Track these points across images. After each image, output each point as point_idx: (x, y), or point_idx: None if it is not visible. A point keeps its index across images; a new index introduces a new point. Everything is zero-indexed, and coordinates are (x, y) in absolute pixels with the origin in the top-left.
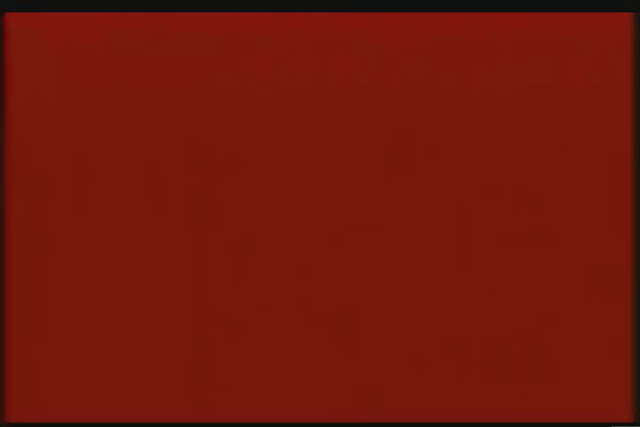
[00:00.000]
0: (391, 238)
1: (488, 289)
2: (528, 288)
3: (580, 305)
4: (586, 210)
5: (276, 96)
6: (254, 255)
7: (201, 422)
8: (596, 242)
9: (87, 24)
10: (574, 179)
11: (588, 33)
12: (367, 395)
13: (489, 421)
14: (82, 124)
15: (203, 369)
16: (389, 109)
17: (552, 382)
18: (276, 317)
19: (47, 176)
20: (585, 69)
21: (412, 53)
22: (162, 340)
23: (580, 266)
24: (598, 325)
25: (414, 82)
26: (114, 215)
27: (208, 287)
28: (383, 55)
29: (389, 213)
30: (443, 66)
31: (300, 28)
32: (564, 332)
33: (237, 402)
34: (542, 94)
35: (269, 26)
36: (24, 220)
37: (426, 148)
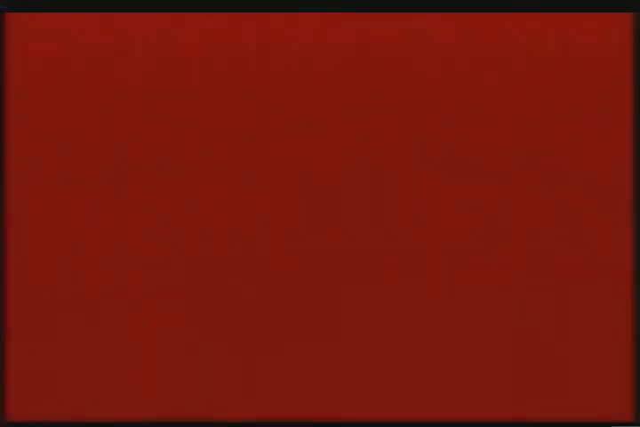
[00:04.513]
0: (390, 241)
1: (488, 288)
2: (529, 287)
3: (581, 305)
4: (586, 211)
5: (275, 94)
6: (254, 256)
7: (201, 421)
8: (596, 242)
9: (87, 24)
10: (573, 179)
11: (588, 33)
12: (368, 394)
13: (490, 420)
14: (81, 124)
15: (202, 368)
16: (388, 107)
17: (553, 381)
18: (275, 316)
19: (47, 175)
20: (585, 69)
21: (412, 52)
22: (161, 339)
23: (581, 266)
24: (599, 325)
25: (415, 80)
26: (112, 215)
27: (207, 287)
28: (384, 54)
29: (390, 213)
30: (442, 64)
31: (300, 28)
32: (565, 332)
33: (237, 401)
34: (542, 94)
35: (269, 26)
36: (24, 220)
37: (425, 145)
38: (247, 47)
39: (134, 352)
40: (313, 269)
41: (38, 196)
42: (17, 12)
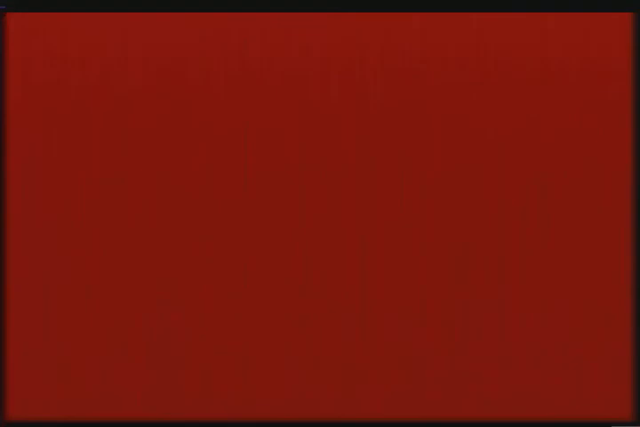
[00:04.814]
0: (389, 245)
1: (488, 288)
2: (529, 288)
3: (582, 305)
4: (586, 213)
5: (276, 94)
6: (256, 258)
7: (200, 421)
8: (596, 242)
9: (87, 24)
10: (573, 179)
11: (588, 33)
12: (373, 393)
13: (490, 420)
14: (81, 123)
15: (202, 368)
16: (388, 107)
17: (552, 381)
18: (274, 317)
19: (47, 175)
20: (585, 69)
21: (412, 52)
22: (161, 339)
23: (581, 266)
24: (599, 325)
25: (415, 80)
26: (111, 215)
27: (206, 287)
28: (383, 54)
29: (390, 216)
30: (442, 64)
31: (300, 29)
32: (566, 332)
33: (237, 401)
34: (542, 93)
35: (268, 26)
36: (24, 220)
37: (425, 147)
38: (247, 47)
39: (134, 352)
40: (310, 270)
41: (38, 196)
42: (17, 12)
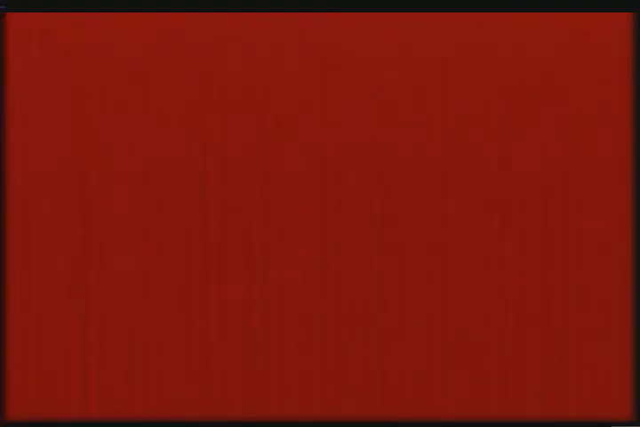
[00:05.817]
0: (388, 247)
1: (488, 289)
2: (529, 288)
3: (582, 305)
4: (586, 214)
5: (275, 94)
6: (257, 260)
7: (199, 420)
8: (597, 242)
9: (87, 24)
10: (573, 180)
11: (588, 33)
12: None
13: (490, 420)
14: (81, 123)
15: (199, 368)
16: (386, 106)
17: (553, 381)
18: (277, 319)
19: (47, 175)
20: (585, 69)
21: (413, 52)
22: (161, 340)
23: (581, 266)
24: (599, 325)
25: (415, 81)
26: (110, 215)
27: (205, 288)
28: (382, 53)
29: (385, 226)
30: (443, 64)
31: (301, 28)
32: (566, 332)
33: (235, 401)
34: (542, 93)
35: (269, 26)
36: (24, 221)
37: (424, 147)
38: (248, 47)
39: (134, 353)
40: (323, 272)
41: (38, 196)
42: (17, 11)
